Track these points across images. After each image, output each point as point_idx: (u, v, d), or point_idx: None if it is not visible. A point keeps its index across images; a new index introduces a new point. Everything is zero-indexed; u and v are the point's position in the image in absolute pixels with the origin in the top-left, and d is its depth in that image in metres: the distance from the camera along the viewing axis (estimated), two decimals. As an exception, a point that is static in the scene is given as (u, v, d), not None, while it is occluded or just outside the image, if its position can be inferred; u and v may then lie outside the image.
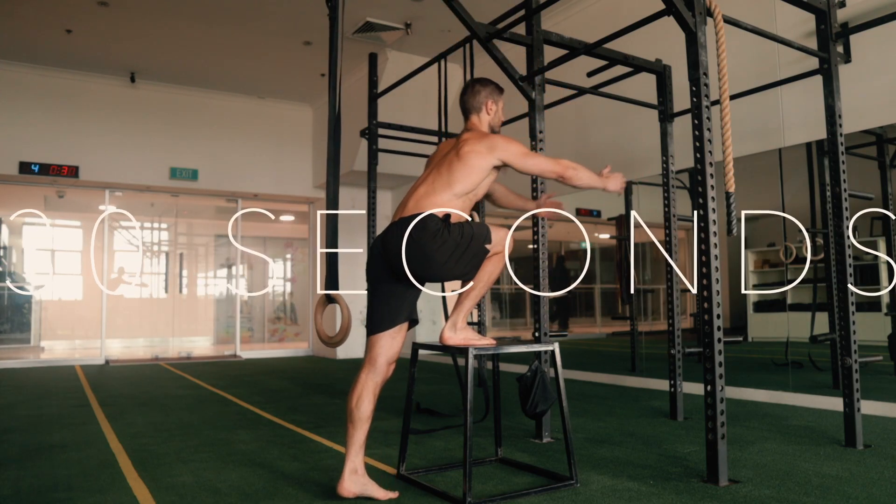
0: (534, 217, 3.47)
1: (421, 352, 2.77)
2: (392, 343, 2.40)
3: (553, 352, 2.70)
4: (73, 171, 7.66)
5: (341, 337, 2.46)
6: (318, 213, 9.19)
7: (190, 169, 8.32)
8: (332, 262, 2.52)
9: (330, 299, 2.47)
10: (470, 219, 2.53)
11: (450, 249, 2.34)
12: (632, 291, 6.13)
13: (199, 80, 8.16)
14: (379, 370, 2.38)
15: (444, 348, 2.59)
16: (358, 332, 8.01)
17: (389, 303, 2.39)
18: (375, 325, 2.40)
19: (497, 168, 2.51)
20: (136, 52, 7.24)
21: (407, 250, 2.32)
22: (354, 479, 2.37)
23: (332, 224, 2.52)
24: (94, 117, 7.86)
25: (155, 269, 10.80)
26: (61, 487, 2.59)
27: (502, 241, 2.51)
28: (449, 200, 2.42)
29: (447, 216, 2.40)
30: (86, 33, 6.69)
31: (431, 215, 2.36)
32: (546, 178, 2.57)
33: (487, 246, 2.43)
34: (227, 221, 9.75)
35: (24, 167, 7.40)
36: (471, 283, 2.51)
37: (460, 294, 2.55)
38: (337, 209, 2.54)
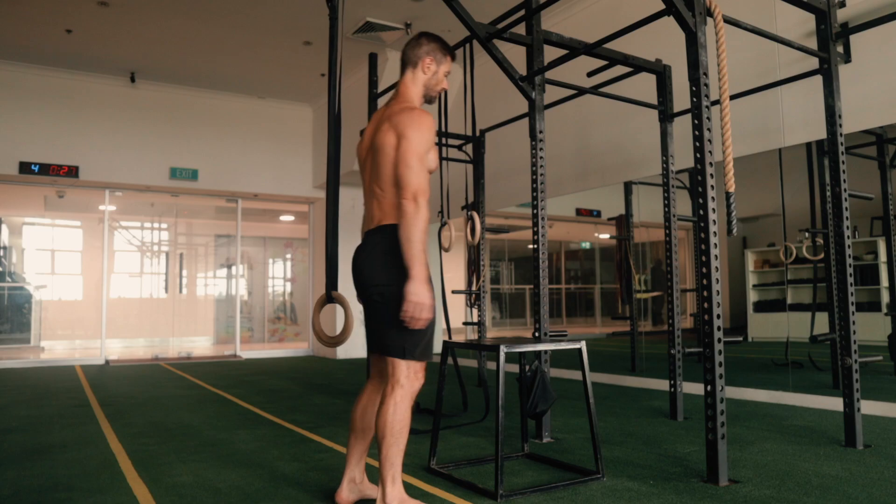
0: (534, 217, 3.47)
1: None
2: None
3: (580, 350, 2.71)
4: (73, 171, 7.66)
5: (344, 338, 2.45)
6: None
7: (190, 169, 8.32)
8: (332, 261, 2.51)
9: (330, 299, 2.46)
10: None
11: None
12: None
13: (199, 80, 8.16)
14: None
15: (457, 345, 2.60)
16: (359, 332, 8.01)
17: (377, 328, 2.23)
18: (370, 345, 2.30)
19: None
20: (136, 52, 7.24)
21: (375, 265, 2.17)
22: (352, 488, 2.34)
23: (332, 223, 2.52)
24: (94, 117, 7.86)
25: (155, 269, 10.81)
26: (61, 487, 2.59)
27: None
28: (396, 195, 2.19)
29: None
30: (86, 33, 6.69)
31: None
32: (399, 186, 2.14)
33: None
34: (227, 221, 9.76)
35: (24, 167, 7.40)
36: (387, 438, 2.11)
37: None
38: (337, 209, 2.54)
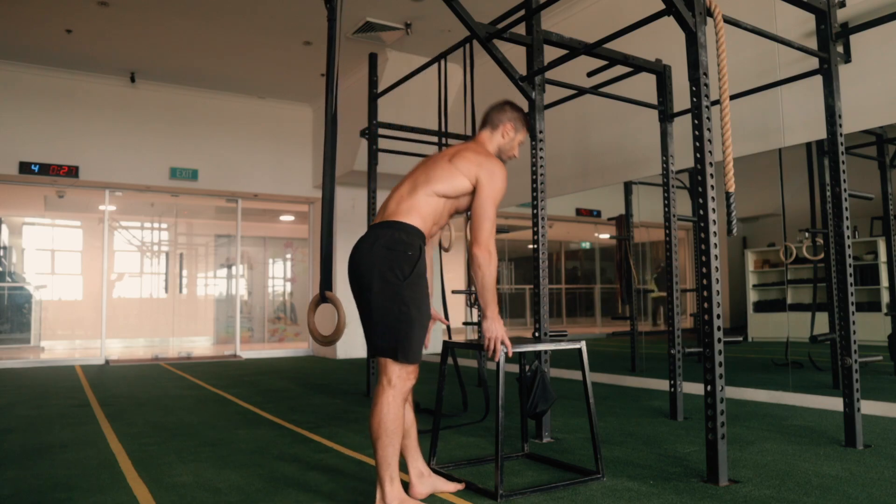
0: (534, 217, 3.47)
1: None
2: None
3: (580, 350, 2.71)
4: (73, 171, 7.66)
5: (335, 336, 2.45)
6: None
7: (190, 169, 8.32)
8: (326, 261, 2.52)
9: (324, 298, 2.46)
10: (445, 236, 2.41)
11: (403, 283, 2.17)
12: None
13: (199, 80, 8.16)
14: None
15: (457, 345, 2.61)
16: (357, 332, 8.02)
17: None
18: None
19: (472, 194, 2.33)
20: (136, 52, 7.24)
21: (377, 258, 2.18)
22: (422, 482, 2.39)
23: (327, 224, 2.52)
24: (94, 117, 7.86)
25: (155, 269, 10.81)
26: (61, 487, 2.59)
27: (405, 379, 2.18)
28: (426, 198, 2.28)
29: (420, 246, 2.24)
30: (86, 33, 6.69)
31: (413, 236, 2.23)
32: (472, 234, 2.27)
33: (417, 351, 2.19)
34: (227, 221, 9.76)
35: (24, 167, 7.40)
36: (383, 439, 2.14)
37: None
38: (332, 210, 2.54)
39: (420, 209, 2.27)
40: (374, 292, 2.17)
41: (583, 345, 2.70)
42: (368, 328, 2.23)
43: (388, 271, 2.16)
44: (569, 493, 2.44)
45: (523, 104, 3.61)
